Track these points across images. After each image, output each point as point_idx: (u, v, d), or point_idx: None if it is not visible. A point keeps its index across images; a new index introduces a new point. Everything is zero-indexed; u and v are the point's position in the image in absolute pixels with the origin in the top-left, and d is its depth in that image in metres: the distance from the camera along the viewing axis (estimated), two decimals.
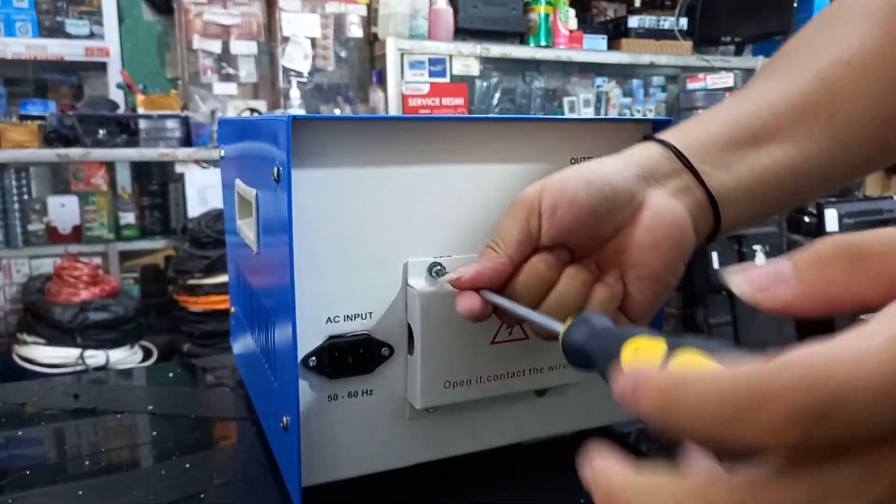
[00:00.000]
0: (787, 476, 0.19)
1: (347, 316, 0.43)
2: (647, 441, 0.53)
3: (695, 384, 0.19)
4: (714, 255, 2.29)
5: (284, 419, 0.43)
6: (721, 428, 0.18)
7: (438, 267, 0.44)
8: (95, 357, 1.99)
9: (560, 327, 0.32)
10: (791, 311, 0.22)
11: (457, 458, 0.48)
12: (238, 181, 0.54)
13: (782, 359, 0.18)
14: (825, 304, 0.21)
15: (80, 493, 0.46)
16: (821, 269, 0.21)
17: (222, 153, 0.66)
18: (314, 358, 0.42)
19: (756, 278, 0.22)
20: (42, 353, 1.97)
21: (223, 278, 2.07)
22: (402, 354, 0.45)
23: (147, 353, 2.18)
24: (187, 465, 0.50)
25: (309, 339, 0.42)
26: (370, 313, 0.44)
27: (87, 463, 0.51)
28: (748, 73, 3.06)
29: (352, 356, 0.43)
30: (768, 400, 0.17)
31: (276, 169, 0.40)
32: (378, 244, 0.43)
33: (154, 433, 0.56)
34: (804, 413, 0.17)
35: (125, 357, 2.06)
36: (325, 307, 0.42)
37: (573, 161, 0.48)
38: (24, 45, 2.49)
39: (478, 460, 0.48)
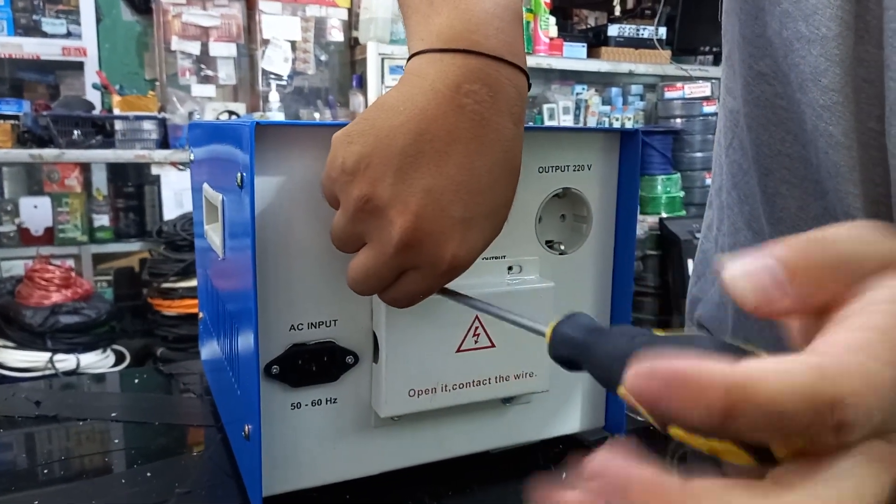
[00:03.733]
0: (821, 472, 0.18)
1: (312, 323, 0.43)
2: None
3: (767, 381, 0.18)
4: (690, 263, 2.31)
5: (246, 427, 0.42)
6: (796, 426, 0.18)
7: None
8: (66, 361, 1.96)
9: (544, 327, 0.30)
10: (786, 318, 0.22)
11: (422, 467, 0.47)
12: (206, 185, 0.54)
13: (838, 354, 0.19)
14: (812, 309, 0.21)
15: (37, 501, 0.45)
16: (813, 274, 0.21)
17: (192, 156, 0.65)
18: (277, 366, 0.42)
19: (757, 284, 0.21)
20: (11, 357, 1.93)
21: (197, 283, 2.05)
22: (367, 362, 0.44)
23: (120, 357, 2.15)
24: (149, 474, 0.49)
25: (272, 346, 0.42)
26: (335, 321, 0.43)
27: (45, 472, 0.50)
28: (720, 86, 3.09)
29: (316, 364, 0.43)
30: (845, 396, 0.18)
31: (239, 174, 0.40)
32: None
33: (116, 441, 0.55)
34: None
35: (97, 361, 2.03)
36: (288, 314, 0.42)
37: (541, 171, 0.48)
38: None
39: (444, 469, 0.48)
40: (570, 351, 0.28)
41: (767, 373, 0.18)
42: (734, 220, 0.52)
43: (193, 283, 2.07)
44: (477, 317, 0.45)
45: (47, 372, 1.92)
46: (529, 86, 0.38)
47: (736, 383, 0.18)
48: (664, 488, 0.19)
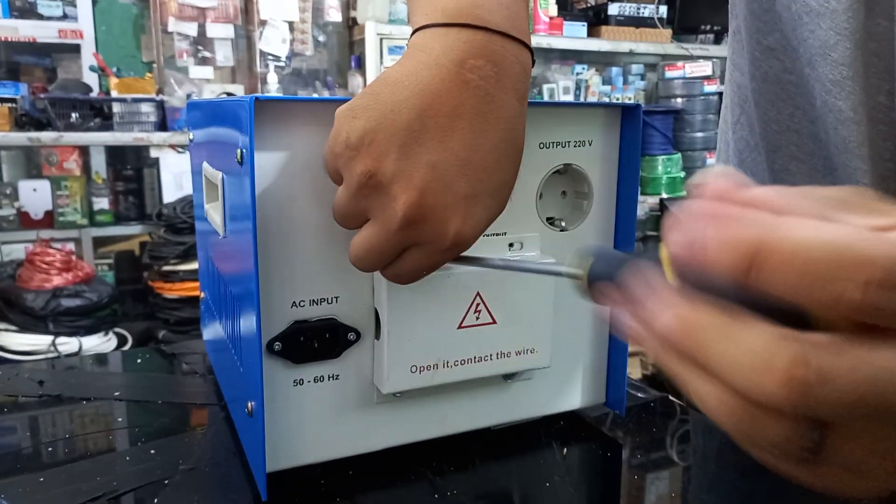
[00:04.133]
0: (863, 344, 0.18)
1: (313, 300, 0.43)
2: (622, 427, 0.54)
3: (790, 239, 0.18)
4: None
5: (249, 404, 0.42)
6: (813, 285, 0.18)
7: None
8: (68, 344, 1.96)
9: (575, 269, 0.29)
10: None
11: (424, 443, 0.48)
12: (205, 164, 0.54)
13: (876, 232, 0.18)
14: None
15: (42, 479, 0.45)
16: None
17: (191, 136, 0.65)
18: (279, 343, 0.42)
19: None
20: (13, 341, 1.94)
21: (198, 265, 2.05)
22: (368, 339, 0.44)
23: (122, 340, 2.15)
24: (153, 451, 0.49)
25: (274, 323, 0.42)
26: (336, 297, 0.43)
27: (49, 450, 0.50)
28: (726, 61, 3.08)
29: (317, 341, 0.43)
30: (865, 263, 0.17)
31: (239, 151, 0.40)
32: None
33: (120, 419, 0.55)
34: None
35: (99, 344, 2.04)
36: (290, 291, 0.42)
37: (542, 146, 0.47)
38: None
39: (446, 445, 0.48)
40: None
41: (802, 223, 0.18)
42: None
43: (194, 265, 2.07)
44: (479, 293, 0.45)
45: (49, 355, 1.93)
46: (533, 62, 0.38)
47: (770, 226, 0.18)
48: None
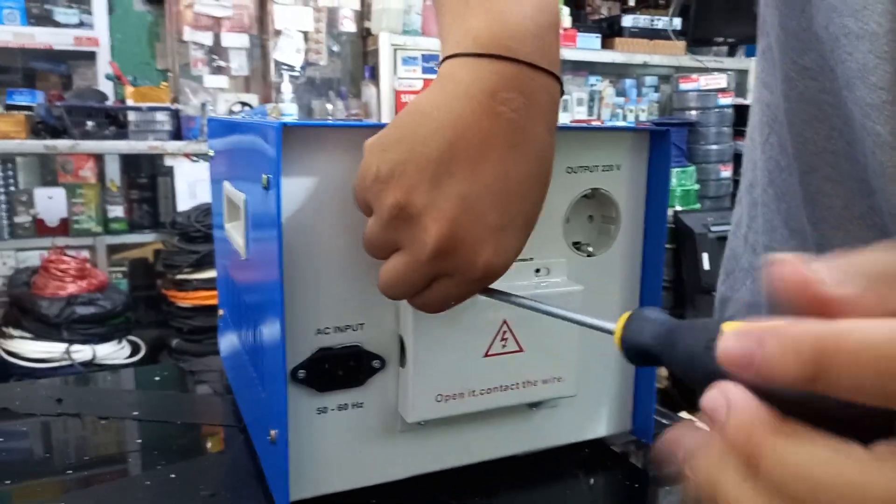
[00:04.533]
0: None
1: (338, 327, 0.42)
2: (644, 457, 0.53)
3: (855, 332, 0.17)
4: (705, 256, 2.30)
5: (272, 432, 0.42)
6: (887, 380, 0.17)
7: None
8: (82, 352, 1.97)
9: (611, 325, 0.29)
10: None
11: (448, 472, 0.47)
12: (227, 184, 0.53)
13: None
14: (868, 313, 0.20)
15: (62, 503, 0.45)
16: (870, 280, 0.19)
17: (212, 153, 0.64)
18: (303, 370, 0.41)
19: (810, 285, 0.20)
20: (28, 348, 1.94)
21: (212, 273, 2.05)
22: (393, 367, 0.44)
23: (135, 348, 2.16)
24: (172, 476, 0.48)
25: (298, 350, 0.41)
26: (361, 325, 0.43)
27: (69, 472, 0.50)
28: (741, 73, 3.07)
29: (342, 368, 0.42)
30: None
31: (265, 176, 0.39)
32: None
33: (139, 440, 0.55)
34: None
35: (112, 352, 2.04)
36: (314, 318, 0.41)
37: (569, 171, 0.47)
38: (11, 34, 2.46)
39: (470, 474, 0.48)
40: (644, 347, 0.27)
41: (860, 322, 0.17)
42: (770, 218, 0.51)
43: (208, 274, 2.07)
44: (505, 321, 0.44)
45: (63, 363, 1.93)
46: (562, 92, 0.38)
47: (827, 330, 0.17)
48: None
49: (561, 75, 0.37)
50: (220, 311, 0.66)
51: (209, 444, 0.55)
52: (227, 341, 0.63)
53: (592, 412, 0.51)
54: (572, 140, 0.46)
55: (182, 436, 0.55)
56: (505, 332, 0.44)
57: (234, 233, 0.51)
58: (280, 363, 0.40)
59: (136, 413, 0.59)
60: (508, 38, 0.35)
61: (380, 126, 0.42)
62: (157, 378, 0.69)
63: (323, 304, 0.42)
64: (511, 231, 0.35)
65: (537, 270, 0.47)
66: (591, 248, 0.49)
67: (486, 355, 0.44)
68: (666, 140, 0.48)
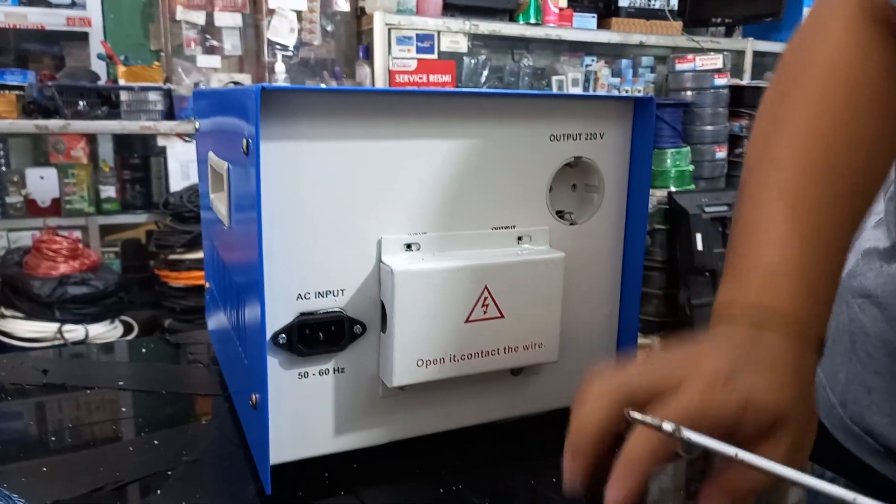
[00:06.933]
0: None
1: (319, 293, 0.42)
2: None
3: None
4: (698, 237, 2.30)
5: (254, 397, 0.42)
6: None
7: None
8: (74, 332, 1.97)
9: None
10: None
11: (430, 437, 0.47)
12: (211, 154, 0.53)
13: None
14: None
15: (45, 469, 0.45)
16: None
17: (197, 125, 0.64)
18: (284, 335, 0.41)
19: None
20: (20, 328, 1.94)
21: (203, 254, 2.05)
22: (374, 332, 0.44)
23: (128, 329, 2.16)
24: (156, 442, 0.49)
25: (279, 315, 0.41)
26: (342, 290, 0.43)
27: (53, 439, 0.50)
28: (737, 54, 3.05)
29: (323, 333, 0.42)
30: None
31: (245, 141, 0.39)
32: (351, 220, 0.42)
33: (124, 409, 0.55)
34: None
35: (105, 332, 2.04)
36: (295, 283, 0.42)
37: (552, 139, 0.47)
38: (3, 14, 2.43)
39: (452, 439, 0.48)
40: None
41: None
42: None
43: (200, 254, 2.07)
44: (486, 287, 0.44)
45: (56, 342, 1.93)
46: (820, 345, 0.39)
47: None
48: None
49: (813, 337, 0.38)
50: (207, 285, 0.67)
51: (194, 413, 0.55)
52: (214, 314, 0.63)
53: (574, 378, 0.51)
54: (555, 107, 0.46)
55: (168, 405, 0.56)
56: (486, 298, 0.44)
57: (219, 203, 0.51)
58: (261, 328, 0.40)
59: (121, 383, 0.59)
60: (796, 318, 0.37)
61: (359, 91, 0.42)
62: (144, 350, 0.69)
63: (304, 270, 0.42)
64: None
65: (520, 238, 0.47)
66: (574, 217, 0.49)
67: (468, 321, 0.44)
68: (650, 108, 0.48)
